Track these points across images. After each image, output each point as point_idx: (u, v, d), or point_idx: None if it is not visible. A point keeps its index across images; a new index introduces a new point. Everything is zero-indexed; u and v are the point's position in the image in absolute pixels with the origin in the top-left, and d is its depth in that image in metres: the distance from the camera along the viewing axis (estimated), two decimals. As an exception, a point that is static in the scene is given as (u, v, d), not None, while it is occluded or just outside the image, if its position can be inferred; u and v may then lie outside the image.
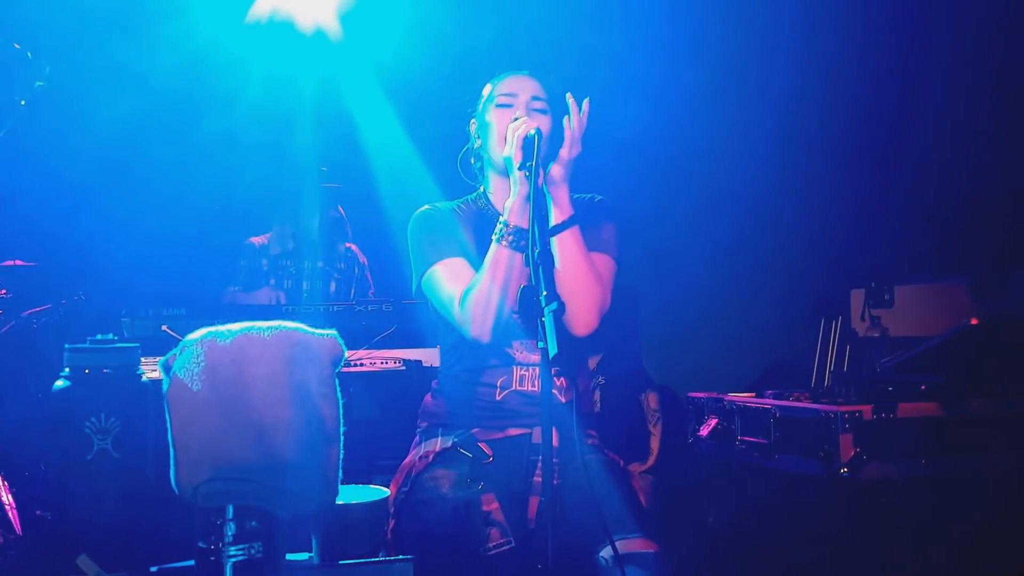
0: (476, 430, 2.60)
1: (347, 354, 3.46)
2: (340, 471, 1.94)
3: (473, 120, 2.77)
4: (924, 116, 4.28)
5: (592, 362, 3.28)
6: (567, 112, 2.48)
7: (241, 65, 4.49)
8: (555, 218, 2.52)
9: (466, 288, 2.49)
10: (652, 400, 4.17)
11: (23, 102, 3.43)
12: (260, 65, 4.51)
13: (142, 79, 4.42)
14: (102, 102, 4.37)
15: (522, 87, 2.66)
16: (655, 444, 4.12)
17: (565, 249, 2.52)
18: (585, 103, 2.48)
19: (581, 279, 2.52)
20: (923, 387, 3.06)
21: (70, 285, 3.80)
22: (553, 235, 2.52)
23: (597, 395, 4.06)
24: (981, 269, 3.55)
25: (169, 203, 4.49)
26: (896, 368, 3.15)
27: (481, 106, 2.73)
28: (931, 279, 3.73)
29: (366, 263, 4.69)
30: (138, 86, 4.42)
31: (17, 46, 3.46)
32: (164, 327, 3.35)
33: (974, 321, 2.86)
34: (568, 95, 2.47)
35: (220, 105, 4.54)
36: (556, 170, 2.49)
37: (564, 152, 2.48)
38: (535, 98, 2.64)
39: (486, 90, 2.74)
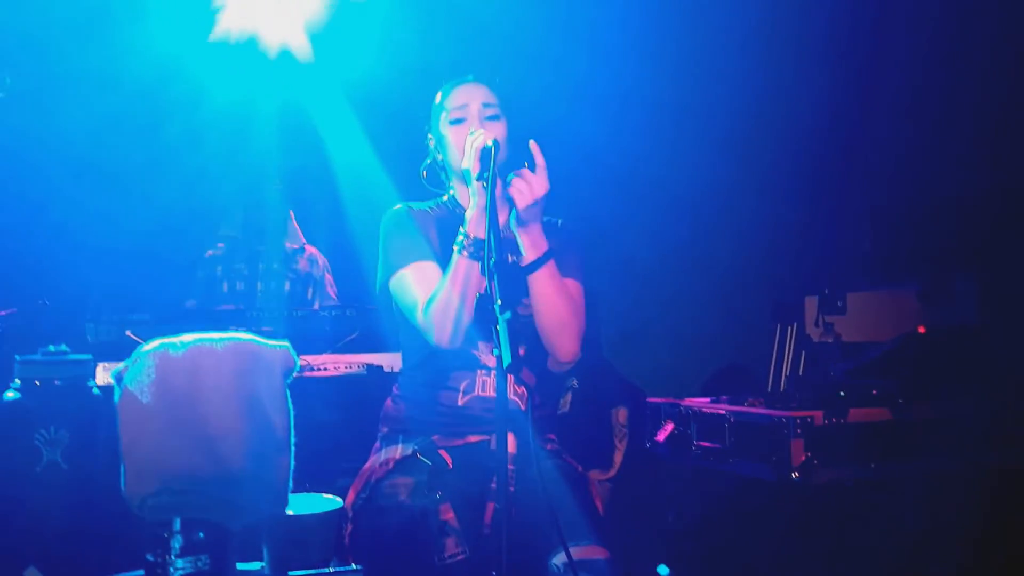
0: (436, 437, 2.57)
1: (311, 359, 3.45)
2: (290, 481, 1.91)
3: (431, 135, 2.74)
4: (875, 127, 4.30)
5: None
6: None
7: (207, 73, 4.44)
8: (529, 255, 2.50)
9: (430, 296, 2.47)
10: (621, 416, 4.18)
11: None
12: (226, 73, 4.46)
13: (106, 84, 4.37)
14: (66, 106, 4.31)
15: (471, 96, 2.63)
16: (619, 458, 4.13)
17: (544, 284, 2.51)
18: (532, 144, 2.44)
19: (562, 311, 2.53)
20: (874, 392, 3.07)
21: (31, 289, 3.73)
22: (530, 273, 2.50)
23: (568, 397, 4.05)
24: (928, 275, 3.57)
25: (132, 208, 4.44)
26: (848, 374, 3.16)
27: (435, 118, 2.71)
28: (881, 286, 3.75)
29: (327, 265, 4.65)
30: (102, 91, 4.37)
31: None
32: (128, 332, 3.30)
33: (921, 329, 2.88)
34: (531, 143, 2.43)
35: (185, 112, 4.49)
36: (521, 214, 2.45)
37: (525, 198, 2.42)
38: (486, 105, 2.62)
39: (437, 98, 2.71)
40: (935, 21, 4.06)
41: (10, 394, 2.03)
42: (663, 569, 2.40)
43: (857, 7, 4.31)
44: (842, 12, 4.32)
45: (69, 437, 1.98)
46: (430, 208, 2.72)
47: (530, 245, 2.49)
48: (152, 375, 1.87)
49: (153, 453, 1.84)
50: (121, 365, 1.92)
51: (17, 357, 2.04)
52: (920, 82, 4.11)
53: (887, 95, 4.25)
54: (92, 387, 2.10)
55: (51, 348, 2.04)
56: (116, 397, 1.92)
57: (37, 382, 2.02)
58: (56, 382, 2.02)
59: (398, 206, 2.69)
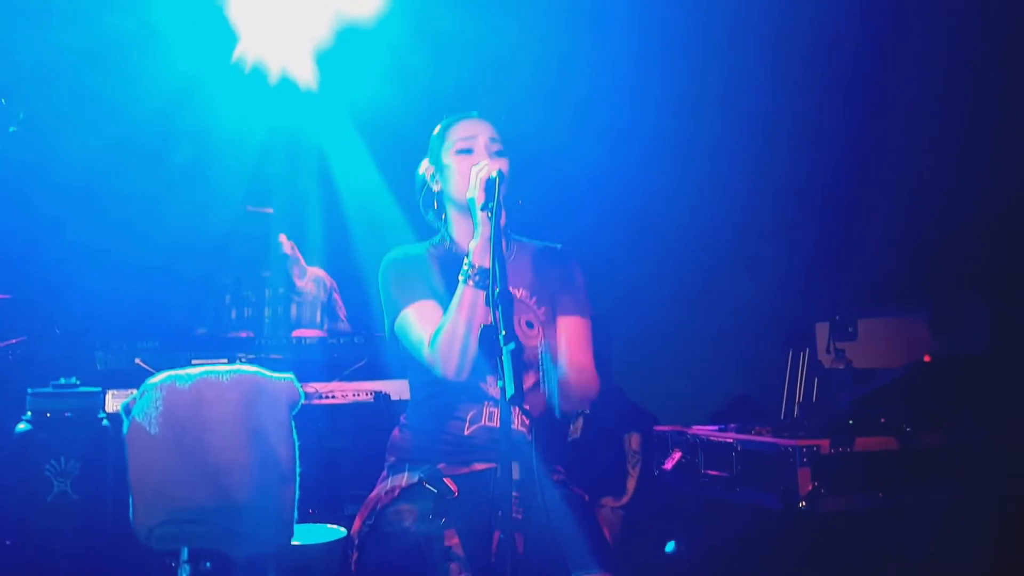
0: (442, 465, 2.62)
1: (319, 386, 3.52)
2: (295, 511, 1.97)
3: (429, 165, 2.79)
4: (887, 154, 4.35)
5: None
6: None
7: (215, 100, 4.54)
8: None
9: (435, 329, 2.52)
10: (634, 442, 4.22)
11: None
12: (233, 100, 4.56)
13: (115, 112, 4.47)
14: (74, 134, 4.42)
15: (478, 130, 2.70)
16: (631, 484, 4.17)
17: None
18: None
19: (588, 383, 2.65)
20: (883, 420, 3.11)
21: (41, 317, 3.81)
22: None
23: (579, 423, 4.10)
24: (939, 302, 3.62)
25: (141, 235, 4.54)
26: (856, 402, 3.20)
27: (436, 149, 2.76)
28: (892, 312, 3.80)
29: (335, 285, 4.74)
30: (111, 119, 4.48)
31: None
32: (137, 360, 3.37)
33: (927, 358, 2.93)
34: None
35: (193, 139, 4.59)
36: None
37: None
38: (492, 140, 2.69)
39: (436, 130, 2.77)
40: (948, 49, 4.11)
41: (21, 426, 2.11)
42: (670, 546, 2.45)
43: (869, 34, 4.37)
44: (853, 40, 4.38)
45: (79, 468, 2.06)
46: (426, 250, 2.77)
47: None
48: (160, 407, 1.95)
49: (160, 484, 1.91)
50: (129, 397, 1.99)
51: (29, 390, 2.12)
52: (933, 110, 4.15)
53: (899, 123, 4.29)
54: (102, 419, 2.17)
55: (62, 380, 2.13)
56: (124, 429, 1.99)
57: (48, 414, 2.10)
58: (66, 414, 2.10)
59: (392, 252, 2.75)
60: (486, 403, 2.62)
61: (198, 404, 1.96)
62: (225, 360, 3.35)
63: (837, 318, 3.90)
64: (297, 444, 2.01)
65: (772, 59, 4.42)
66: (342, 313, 4.70)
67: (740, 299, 4.60)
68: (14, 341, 3.62)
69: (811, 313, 4.08)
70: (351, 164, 4.59)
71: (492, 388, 2.61)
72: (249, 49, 4.54)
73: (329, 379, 3.74)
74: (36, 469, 2.05)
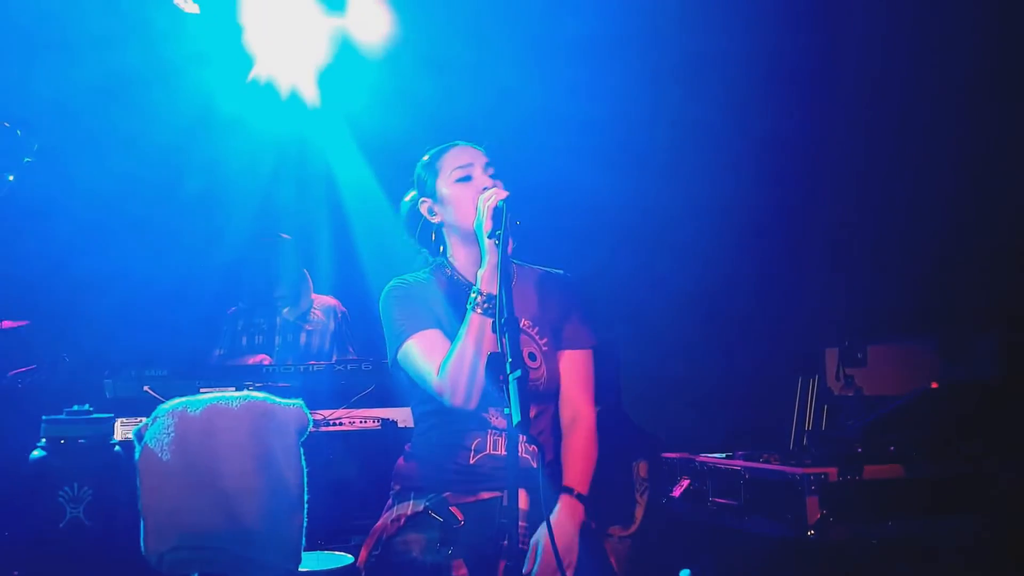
0: (448, 494, 2.65)
1: (327, 413, 3.57)
2: (303, 538, 2.02)
3: (424, 198, 2.81)
4: (895, 181, 4.39)
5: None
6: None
7: (226, 132, 4.63)
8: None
9: (444, 358, 2.56)
10: (642, 469, 4.23)
11: (11, 177, 3.54)
12: (244, 131, 4.65)
13: (129, 141, 4.56)
14: (88, 166, 4.51)
15: (473, 156, 2.75)
16: (639, 513, 4.18)
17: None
18: None
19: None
20: (892, 448, 3.12)
21: (52, 344, 3.88)
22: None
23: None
24: (950, 329, 3.64)
25: (150, 262, 4.62)
26: (863, 429, 3.22)
27: (431, 180, 2.78)
28: (902, 339, 3.82)
29: (346, 313, 4.80)
30: (125, 147, 4.56)
31: (7, 124, 3.58)
32: (146, 388, 3.41)
33: (934, 384, 2.95)
34: None
35: (204, 170, 4.67)
36: None
37: None
38: (487, 165, 2.73)
39: (425, 158, 2.81)
40: (960, 71, 4.15)
41: (36, 452, 2.17)
42: (685, 572, 2.50)
43: (879, 55, 4.41)
44: (861, 64, 4.43)
45: (92, 494, 2.11)
46: (426, 278, 2.80)
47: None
48: (172, 433, 2.00)
49: (172, 509, 1.96)
50: (142, 423, 2.05)
51: (44, 417, 2.18)
52: (948, 135, 4.18)
53: (911, 145, 4.33)
54: (114, 444, 2.23)
55: (75, 407, 2.18)
56: (136, 454, 2.04)
57: (62, 440, 2.16)
58: (80, 440, 2.16)
59: (393, 281, 2.77)
60: (490, 432, 2.66)
61: (209, 430, 2.02)
62: (233, 388, 3.40)
63: (847, 344, 3.92)
64: (305, 470, 2.06)
65: (775, 79, 4.47)
66: (350, 346, 4.74)
67: (749, 325, 4.63)
68: (24, 369, 3.68)
69: (820, 339, 4.10)
70: (360, 191, 4.66)
71: (495, 419, 2.65)
72: (259, 77, 4.63)
73: (336, 406, 3.77)
74: (50, 495, 2.10)
